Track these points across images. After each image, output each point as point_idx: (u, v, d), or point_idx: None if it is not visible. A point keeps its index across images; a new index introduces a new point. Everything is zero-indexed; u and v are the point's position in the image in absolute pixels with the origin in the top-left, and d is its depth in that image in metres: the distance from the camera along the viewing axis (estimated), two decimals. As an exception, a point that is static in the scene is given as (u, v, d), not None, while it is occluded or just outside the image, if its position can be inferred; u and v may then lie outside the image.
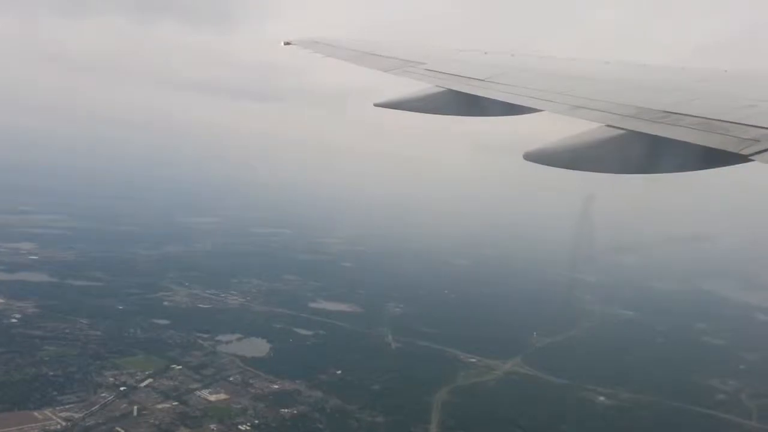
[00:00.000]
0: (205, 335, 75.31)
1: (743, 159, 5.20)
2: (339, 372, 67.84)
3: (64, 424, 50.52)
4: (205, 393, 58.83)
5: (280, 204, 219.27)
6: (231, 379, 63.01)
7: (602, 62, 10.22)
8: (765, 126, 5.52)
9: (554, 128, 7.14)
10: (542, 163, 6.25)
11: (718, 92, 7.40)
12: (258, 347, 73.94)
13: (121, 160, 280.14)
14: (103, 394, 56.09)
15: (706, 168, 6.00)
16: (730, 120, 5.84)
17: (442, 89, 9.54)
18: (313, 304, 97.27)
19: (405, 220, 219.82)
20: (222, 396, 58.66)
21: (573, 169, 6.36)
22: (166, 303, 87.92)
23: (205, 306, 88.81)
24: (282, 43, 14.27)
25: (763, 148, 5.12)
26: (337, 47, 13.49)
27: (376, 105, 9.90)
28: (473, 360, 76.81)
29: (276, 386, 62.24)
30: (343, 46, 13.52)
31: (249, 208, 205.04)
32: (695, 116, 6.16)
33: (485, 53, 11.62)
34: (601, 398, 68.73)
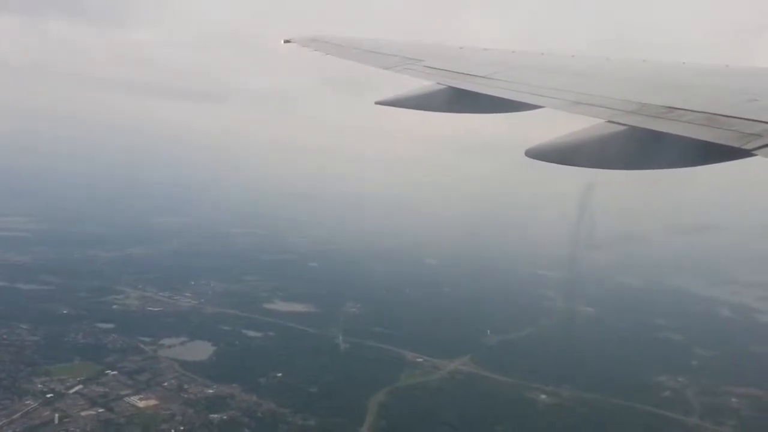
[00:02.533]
0: (148, 339, 74.37)
1: (746, 154, 5.22)
2: (279, 375, 67.16)
3: (-20, 433, 49.53)
4: (134, 399, 57.97)
5: (255, 204, 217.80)
6: (165, 384, 62.15)
7: (603, 58, 10.22)
8: (767, 121, 5.52)
9: (555, 125, 7.13)
10: (544, 160, 6.23)
11: (720, 87, 7.37)
12: (200, 351, 73.05)
13: (83, 161, 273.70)
14: (27, 402, 55.11)
15: (708, 163, 6.00)
16: (733, 115, 5.83)
17: (442, 86, 9.52)
18: (268, 305, 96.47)
19: (386, 219, 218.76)
20: (152, 402, 57.81)
21: (575, 166, 6.33)
22: (115, 306, 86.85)
23: (155, 309, 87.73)
24: (282, 41, 14.28)
25: (765, 143, 5.12)
26: (336, 45, 13.48)
27: (377, 103, 9.85)
28: (420, 360, 76.37)
29: (211, 391, 61.44)
30: (342, 44, 13.54)
31: (222, 208, 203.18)
32: (697, 111, 6.14)
33: (485, 50, 11.65)
34: (543, 396, 68.47)
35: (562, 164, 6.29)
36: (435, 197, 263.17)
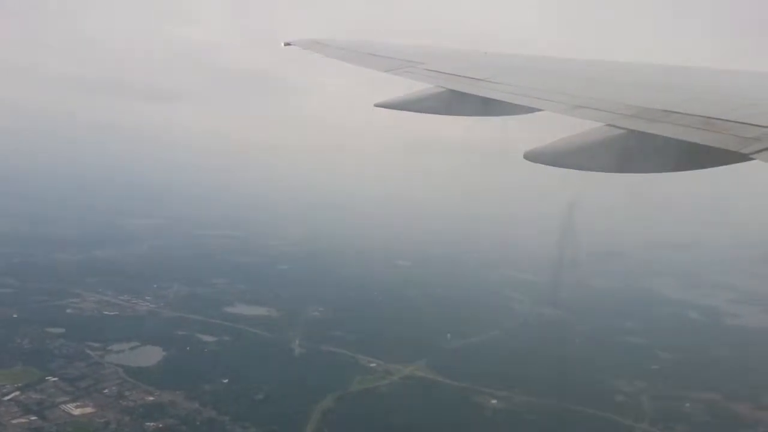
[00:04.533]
0: (97, 344, 73.22)
1: (744, 158, 5.26)
2: (225, 381, 66.19)
3: None
4: (70, 406, 56.91)
5: (232, 205, 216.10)
6: (105, 391, 61.07)
7: (602, 62, 10.39)
8: (765, 125, 5.56)
9: (554, 128, 7.23)
10: (542, 163, 6.28)
11: (719, 91, 7.42)
12: (149, 356, 71.96)
13: (58, 161, 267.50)
14: (-41, 410, 53.97)
15: (707, 167, 6.06)
16: (731, 119, 5.88)
17: (442, 89, 9.58)
18: (229, 309, 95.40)
19: (368, 221, 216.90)
20: (88, 409, 56.78)
21: (573, 169, 6.38)
22: (69, 310, 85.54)
23: (110, 313, 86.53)
24: (282, 44, 14.23)
25: (763, 146, 5.15)
26: (336, 48, 13.57)
27: (376, 105, 9.85)
28: (373, 365, 75.63)
29: (152, 398, 60.43)
30: (342, 47, 13.62)
31: (198, 209, 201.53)
32: (696, 115, 6.20)
33: (485, 53, 11.72)
34: (494, 401, 67.93)
35: (560, 167, 6.31)
36: (425, 200, 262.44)
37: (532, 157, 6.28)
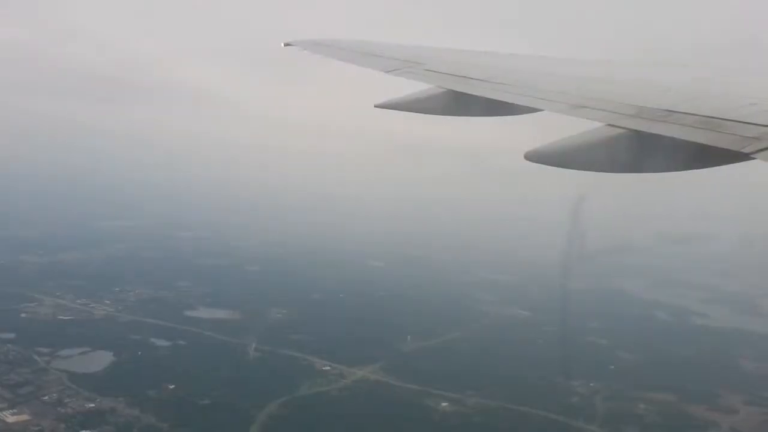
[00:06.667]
0: (46, 350, 72.16)
1: (745, 157, 5.27)
2: (172, 387, 65.35)
3: None
4: (6, 414, 56.02)
5: (208, 207, 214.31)
6: (45, 398, 60.16)
7: (603, 61, 10.44)
8: (766, 124, 5.57)
9: (555, 128, 7.22)
10: (543, 163, 6.28)
11: (720, 91, 7.45)
12: (98, 362, 71.03)
13: (20, 162, 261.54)
14: None
15: (707, 167, 6.07)
16: (732, 118, 5.90)
17: (442, 89, 9.62)
18: (189, 312, 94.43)
19: (352, 222, 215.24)
20: (24, 417, 55.91)
21: (574, 169, 6.40)
22: (23, 315, 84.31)
23: (65, 318, 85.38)
24: (282, 45, 14.16)
25: (764, 146, 5.16)
26: (336, 48, 13.61)
27: (376, 106, 9.89)
28: (327, 368, 75.03)
29: (92, 405, 59.58)
30: (342, 47, 13.67)
31: (174, 210, 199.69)
32: (697, 115, 6.22)
33: (485, 53, 11.83)
34: (444, 404, 67.58)
35: (561, 167, 6.33)
36: (418, 201, 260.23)
37: (533, 157, 6.26)
